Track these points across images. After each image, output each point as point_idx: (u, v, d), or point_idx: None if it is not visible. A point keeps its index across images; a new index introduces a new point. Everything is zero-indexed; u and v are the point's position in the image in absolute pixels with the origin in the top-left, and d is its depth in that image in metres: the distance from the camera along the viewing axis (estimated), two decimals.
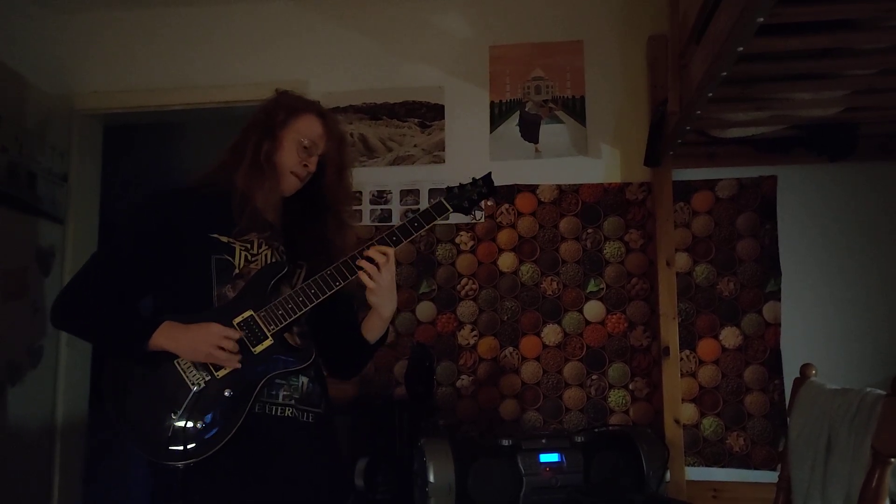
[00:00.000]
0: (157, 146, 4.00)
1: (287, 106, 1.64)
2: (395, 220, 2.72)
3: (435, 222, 1.63)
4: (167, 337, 1.46)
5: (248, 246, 1.57)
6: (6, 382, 2.50)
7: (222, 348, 1.45)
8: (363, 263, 1.53)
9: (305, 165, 1.61)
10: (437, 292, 2.68)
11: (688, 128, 2.19)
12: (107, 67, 2.95)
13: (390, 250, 1.56)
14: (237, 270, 1.54)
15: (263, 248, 1.59)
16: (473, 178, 1.68)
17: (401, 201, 2.74)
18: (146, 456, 1.45)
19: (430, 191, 2.72)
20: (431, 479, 1.97)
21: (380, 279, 1.53)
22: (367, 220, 2.74)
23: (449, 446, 2.04)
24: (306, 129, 1.62)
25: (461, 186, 1.67)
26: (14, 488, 2.52)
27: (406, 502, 2.16)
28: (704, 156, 2.55)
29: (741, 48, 1.56)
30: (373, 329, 1.65)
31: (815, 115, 2.17)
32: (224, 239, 1.55)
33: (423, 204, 2.72)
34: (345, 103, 2.80)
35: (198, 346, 1.45)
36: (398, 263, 2.66)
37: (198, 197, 1.58)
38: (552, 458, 2.06)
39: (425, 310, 2.67)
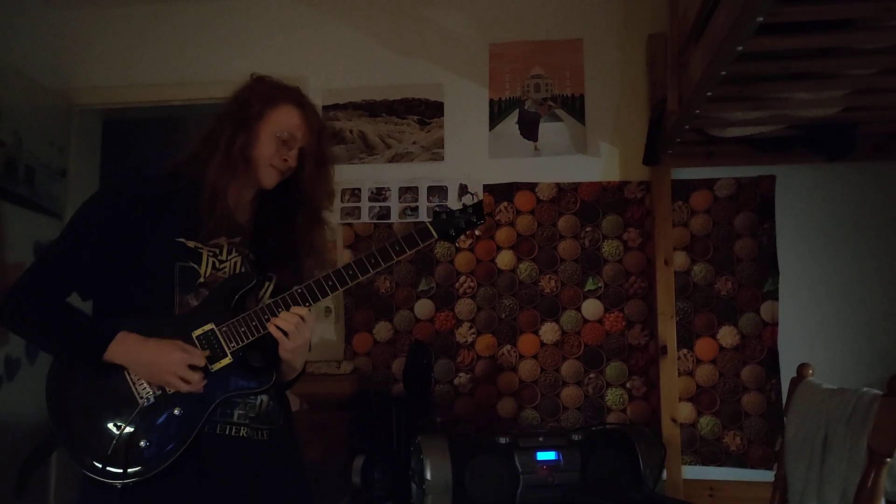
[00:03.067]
0: (156, 142, 3.98)
1: (263, 95, 1.50)
2: (394, 218, 2.72)
3: (418, 248, 1.51)
4: (125, 352, 1.35)
5: (217, 252, 1.45)
6: (3, 378, 2.50)
7: (183, 378, 1.34)
8: (275, 324, 1.40)
9: (285, 160, 1.48)
10: (435, 290, 2.68)
11: (686, 127, 2.19)
12: (106, 62, 2.95)
13: (304, 312, 1.42)
14: (202, 279, 1.42)
15: (233, 254, 1.47)
16: (464, 204, 1.57)
17: (399, 198, 2.74)
18: (82, 470, 1.33)
19: (429, 188, 2.72)
20: (428, 476, 1.97)
21: (294, 339, 1.41)
22: (365, 218, 2.74)
23: (446, 444, 2.04)
24: (284, 120, 1.48)
25: (449, 213, 1.55)
26: (11, 483, 2.52)
27: (403, 499, 2.16)
28: (703, 155, 2.55)
29: (740, 47, 1.56)
30: (284, 373, 1.52)
31: (813, 115, 2.17)
32: (191, 244, 1.42)
33: (422, 201, 2.72)
34: (344, 100, 2.80)
35: (156, 371, 1.34)
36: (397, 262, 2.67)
37: (163, 191, 1.45)
38: (549, 456, 2.07)
39: (423, 307, 2.67)
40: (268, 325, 1.40)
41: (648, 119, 2.51)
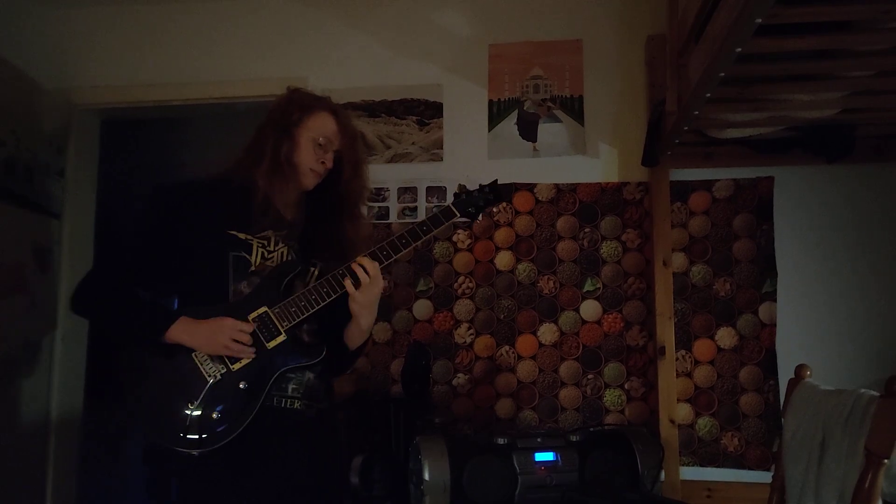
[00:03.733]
0: (155, 142, 3.99)
1: (300, 104, 1.67)
2: (393, 218, 2.72)
3: (443, 226, 1.67)
4: (183, 331, 1.52)
5: (265, 243, 1.62)
6: (2, 378, 2.50)
7: (237, 341, 1.51)
8: (355, 268, 1.57)
9: (323, 163, 1.65)
10: (434, 290, 2.68)
11: (685, 128, 2.19)
12: (106, 62, 2.95)
13: (375, 267, 1.58)
14: (253, 267, 1.59)
15: (280, 245, 1.64)
16: (480, 185, 1.72)
17: (398, 199, 2.74)
18: (161, 442, 1.50)
19: (428, 188, 2.73)
20: (427, 476, 1.97)
21: (364, 290, 1.57)
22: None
23: (444, 444, 2.04)
24: (320, 126, 1.65)
25: (468, 192, 1.71)
26: (8, 484, 2.52)
27: (401, 500, 2.16)
28: (702, 156, 2.55)
29: (739, 48, 1.56)
30: (352, 337, 1.70)
31: (812, 117, 2.18)
32: (242, 236, 1.59)
33: (421, 202, 2.72)
34: (343, 100, 2.76)
35: (214, 339, 1.51)
36: (396, 261, 2.67)
37: (215, 191, 1.63)
38: (547, 456, 2.07)
39: (422, 308, 2.67)
40: (344, 280, 1.57)
41: (647, 120, 2.51)
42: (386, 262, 1.62)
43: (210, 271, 1.58)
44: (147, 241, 1.62)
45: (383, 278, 1.65)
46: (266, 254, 1.61)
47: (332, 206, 1.71)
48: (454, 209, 1.68)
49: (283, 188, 1.63)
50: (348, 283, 1.57)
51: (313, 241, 1.70)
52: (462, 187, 1.72)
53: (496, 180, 1.73)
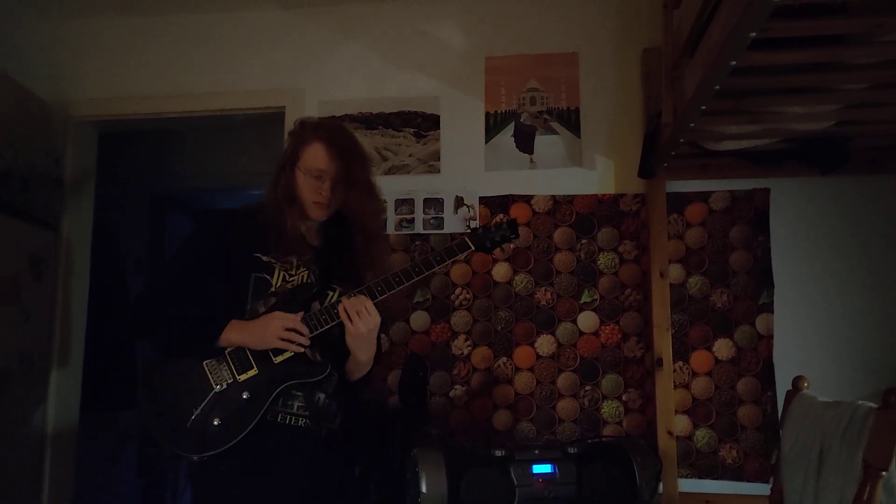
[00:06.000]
0: (152, 153, 4.00)
1: (297, 138, 1.73)
2: (391, 230, 2.72)
3: (456, 258, 1.72)
4: (236, 332, 1.61)
5: (288, 266, 1.69)
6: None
7: (289, 332, 1.59)
8: (340, 309, 1.64)
9: (321, 193, 1.69)
10: (431, 302, 2.67)
11: (681, 140, 2.20)
12: (102, 74, 2.96)
13: (369, 303, 1.63)
14: (273, 288, 1.66)
15: (301, 269, 1.70)
16: (498, 220, 1.79)
17: (395, 210, 2.74)
18: (165, 444, 1.58)
19: (426, 200, 2.73)
20: (424, 488, 1.96)
21: (358, 325, 1.62)
22: None
23: (442, 456, 2.03)
24: (312, 159, 1.69)
25: (486, 227, 1.77)
26: (5, 496, 2.50)
27: None
28: (698, 168, 2.56)
29: (734, 62, 1.57)
30: (350, 370, 1.75)
31: (807, 129, 2.19)
32: (265, 258, 1.67)
33: (418, 213, 2.72)
34: (340, 112, 2.81)
35: (265, 333, 1.59)
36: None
37: (245, 219, 1.72)
38: (545, 469, 2.06)
39: (419, 319, 2.67)
40: (338, 306, 1.63)
41: (643, 132, 2.53)
42: (397, 289, 1.66)
43: (231, 289, 1.66)
44: (186, 259, 1.72)
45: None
46: (287, 276, 1.68)
47: (344, 230, 1.76)
48: (470, 242, 1.74)
49: (287, 220, 1.68)
50: (345, 318, 1.62)
51: (329, 266, 1.75)
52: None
53: (515, 218, 1.81)
